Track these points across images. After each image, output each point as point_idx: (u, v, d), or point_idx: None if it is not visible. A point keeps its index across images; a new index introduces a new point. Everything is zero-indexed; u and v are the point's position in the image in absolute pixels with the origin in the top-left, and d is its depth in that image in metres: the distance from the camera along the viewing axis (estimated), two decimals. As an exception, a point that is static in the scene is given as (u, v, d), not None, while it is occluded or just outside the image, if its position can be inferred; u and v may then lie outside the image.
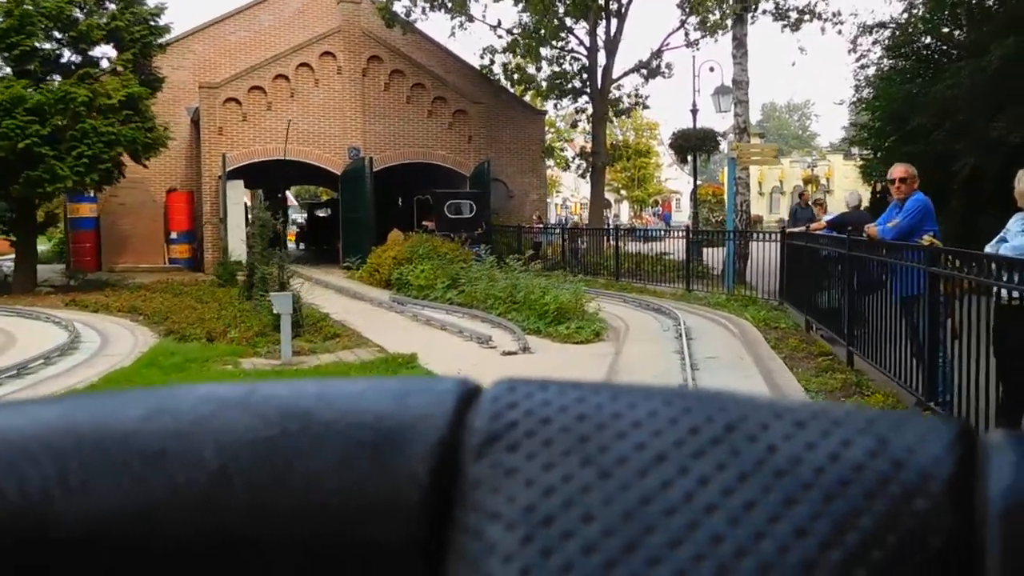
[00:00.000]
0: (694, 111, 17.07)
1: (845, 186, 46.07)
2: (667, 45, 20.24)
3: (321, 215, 30.36)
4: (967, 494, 0.26)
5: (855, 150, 29.45)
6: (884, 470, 0.27)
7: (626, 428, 0.29)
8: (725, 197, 35.80)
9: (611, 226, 18.83)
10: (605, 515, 0.26)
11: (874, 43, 20.57)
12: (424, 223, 18.29)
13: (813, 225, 10.22)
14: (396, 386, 0.33)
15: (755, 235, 11.64)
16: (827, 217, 10.49)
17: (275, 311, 7.61)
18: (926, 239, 5.35)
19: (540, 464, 0.28)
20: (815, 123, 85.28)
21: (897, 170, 6.17)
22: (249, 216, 31.82)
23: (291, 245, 32.81)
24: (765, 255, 11.46)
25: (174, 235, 20.34)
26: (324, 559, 0.29)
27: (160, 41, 14.90)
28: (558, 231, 17.65)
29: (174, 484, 0.30)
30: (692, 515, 0.26)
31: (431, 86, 20.48)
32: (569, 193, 51.64)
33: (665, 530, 0.26)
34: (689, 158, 17.15)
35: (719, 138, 16.79)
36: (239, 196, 19.24)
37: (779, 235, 11.16)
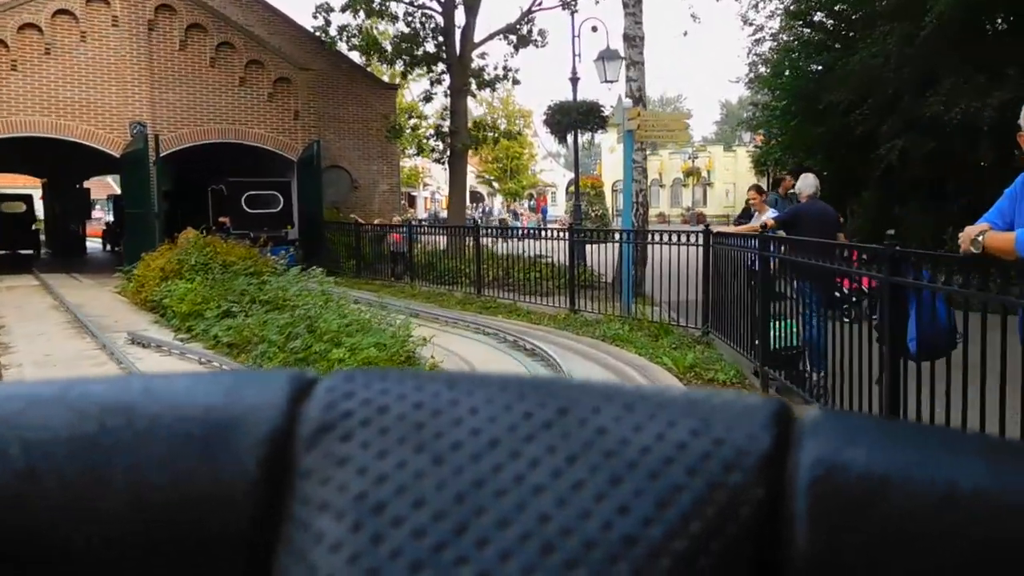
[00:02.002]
0: (574, 79, 13.63)
1: (726, 178, 44.68)
2: (539, 4, 16.80)
3: (131, 211, 25.10)
4: (779, 467, 0.27)
5: (747, 136, 27.45)
6: (705, 448, 0.28)
7: (462, 414, 0.29)
8: (606, 189, 33.03)
9: (473, 222, 15.20)
10: (437, 500, 0.27)
11: (773, 13, 18.04)
12: (221, 220, 14.10)
13: (757, 222, 6.95)
14: (229, 379, 0.32)
15: (665, 236, 8.26)
16: (770, 214, 7.22)
17: None
18: None
19: (374, 452, 0.28)
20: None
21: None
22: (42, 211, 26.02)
23: (95, 246, 27.37)
24: (668, 257, 8.21)
25: None
26: (150, 556, 0.29)
27: None
28: (404, 230, 13.77)
29: None
30: (521, 497, 0.27)
31: (243, 47, 16.10)
32: (437, 185, 47.83)
33: (495, 512, 0.26)
34: (569, 138, 13.69)
35: (603, 112, 13.43)
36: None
37: (702, 236, 7.81)
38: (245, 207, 14.74)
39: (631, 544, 0.26)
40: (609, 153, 45.57)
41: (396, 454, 0.28)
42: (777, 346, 6.06)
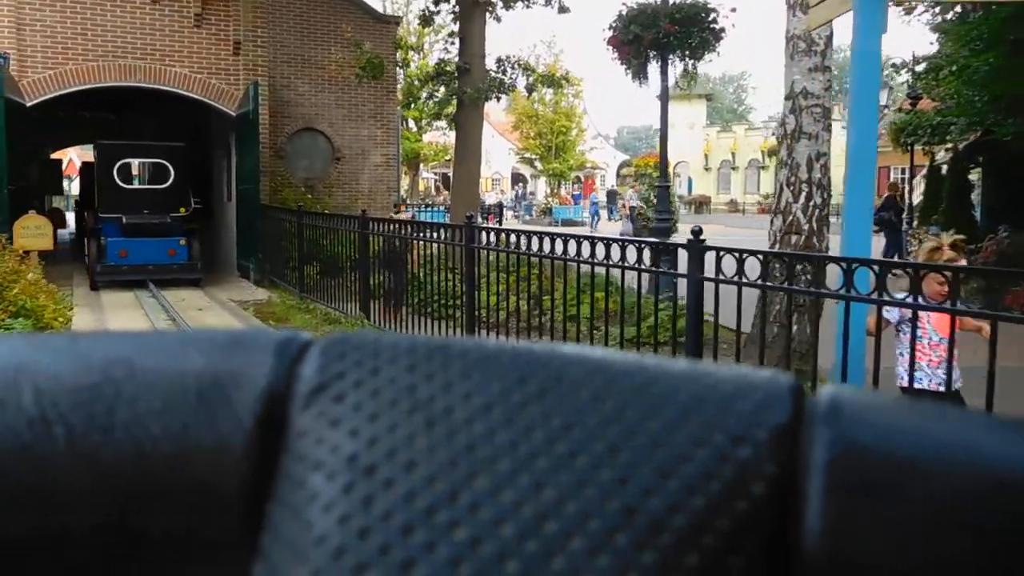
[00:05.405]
0: (661, -32, 7.98)
1: (814, 161, 38.38)
2: None
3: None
4: (792, 443, 0.26)
5: (884, 98, 21.36)
6: (710, 418, 0.27)
7: (454, 378, 0.29)
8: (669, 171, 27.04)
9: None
10: (429, 463, 0.27)
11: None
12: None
13: None
14: (226, 336, 0.33)
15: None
16: None
17: None
18: None
19: (366, 414, 0.29)
20: (752, 95, 78.07)
21: None
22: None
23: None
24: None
25: None
26: (147, 505, 0.29)
27: None
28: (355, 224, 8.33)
29: None
30: (515, 463, 0.26)
31: (156, -58, 10.84)
32: (487, 160, 42.38)
33: (487, 477, 0.26)
34: (655, 66, 8.00)
35: (715, 22, 7.73)
36: None
37: None
38: (117, 180, 9.83)
39: (631, 515, 0.25)
40: (671, 128, 39.48)
41: (388, 416, 0.28)
42: None
